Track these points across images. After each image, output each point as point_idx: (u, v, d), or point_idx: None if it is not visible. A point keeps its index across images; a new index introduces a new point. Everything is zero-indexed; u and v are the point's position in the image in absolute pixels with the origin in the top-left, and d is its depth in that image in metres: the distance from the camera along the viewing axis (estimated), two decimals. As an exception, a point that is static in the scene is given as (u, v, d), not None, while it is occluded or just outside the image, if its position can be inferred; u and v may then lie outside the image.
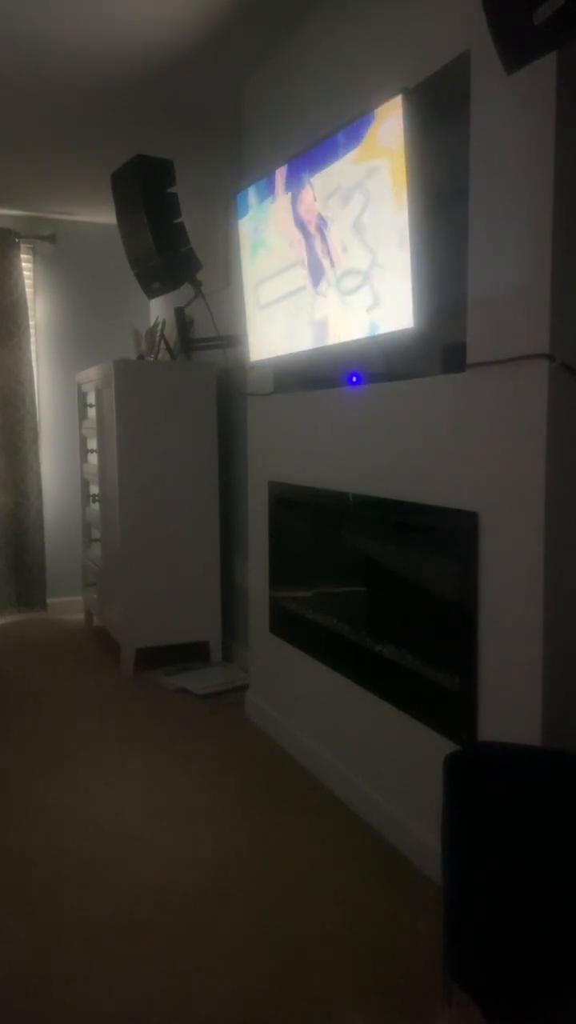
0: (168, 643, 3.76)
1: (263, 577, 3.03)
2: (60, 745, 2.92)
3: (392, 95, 1.94)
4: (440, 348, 2.05)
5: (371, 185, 2.09)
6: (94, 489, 4.25)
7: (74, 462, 4.93)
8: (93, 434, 4.15)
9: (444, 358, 2.03)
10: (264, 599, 3.03)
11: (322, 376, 2.59)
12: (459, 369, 1.88)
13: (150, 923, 1.89)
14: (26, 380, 4.74)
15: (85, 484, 4.50)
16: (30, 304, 4.81)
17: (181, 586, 3.73)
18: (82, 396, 4.42)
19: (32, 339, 4.81)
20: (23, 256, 4.75)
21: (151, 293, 3.45)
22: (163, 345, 4.00)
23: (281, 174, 2.57)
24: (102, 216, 4.68)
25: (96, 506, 4.24)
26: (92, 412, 4.13)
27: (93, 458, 4.21)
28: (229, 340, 3.63)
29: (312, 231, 2.33)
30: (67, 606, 4.92)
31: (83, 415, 4.45)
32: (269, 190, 2.65)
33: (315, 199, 2.30)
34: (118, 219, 3.41)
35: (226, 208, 3.57)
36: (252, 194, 2.73)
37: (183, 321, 3.97)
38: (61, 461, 4.99)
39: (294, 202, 2.41)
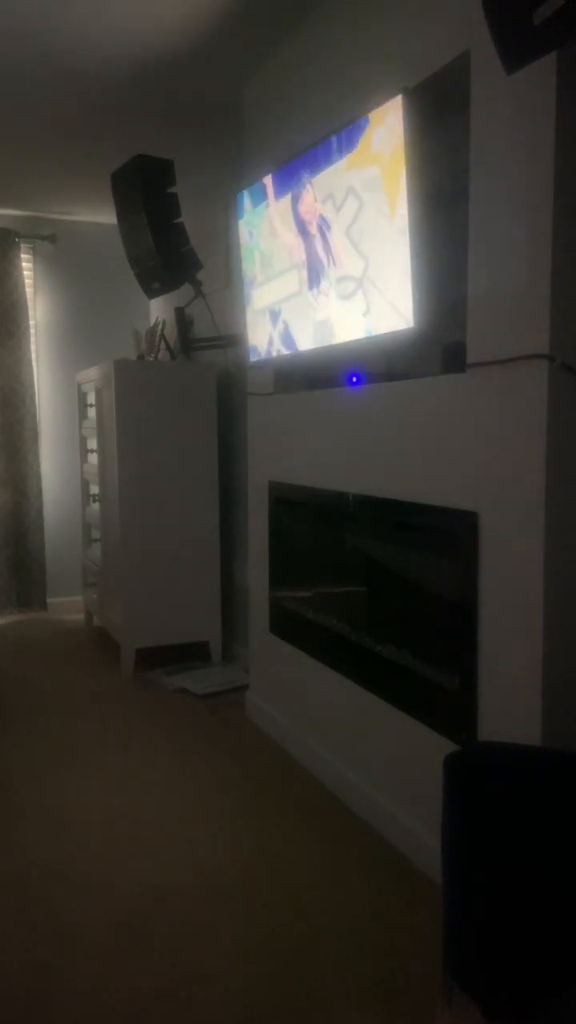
0: (168, 643, 3.76)
1: (263, 577, 3.03)
2: (60, 745, 2.92)
3: (385, 99, 1.94)
4: (440, 348, 2.05)
5: (364, 192, 2.09)
6: (94, 489, 4.25)
7: (74, 462, 4.93)
8: (93, 434, 4.15)
9: (444, 358, 2.03)
10: (264, 599, 3.03)
11: (322, 376, 2.59)
12: (459, 369, 1.88)
13: (150, 923, 1.89)
14: (26, 380, 4.74)
15: (85, 484, 4.50)
16: (30, 304, 4.81)
17: (181, 586, 3.73)
18: (82, 396, 4.42)
19: (32, 339, 4.81)
20: (23, 256, 4.75)
21: (151, 293, 3.45)
22: (163, 345, 4.00)
23: (269, 182, 2.58)
24: (102, 216, 4.68)
25: (96, 506, 4.24)
26: (92, 412, 4.13)
27: (93, 458, 4.21)
28: (229, 340, 3.63)
29: (313, 231, 2.33)
30: (67, 606, 4.92)
31: (83, 415, 4.45)
32: (262, 196, 2.66)
33: (315, 200, 2.30)
34: (118, 219, 3.41)
35: (226, 208, 3.57)
36: (247, 198, 2.73)
37: (183, 321, 3.98)
38: (61, 461, 4.99)
39: (295, 202, 2.41)
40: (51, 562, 4.94)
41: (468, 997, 1.42)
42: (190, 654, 3.85)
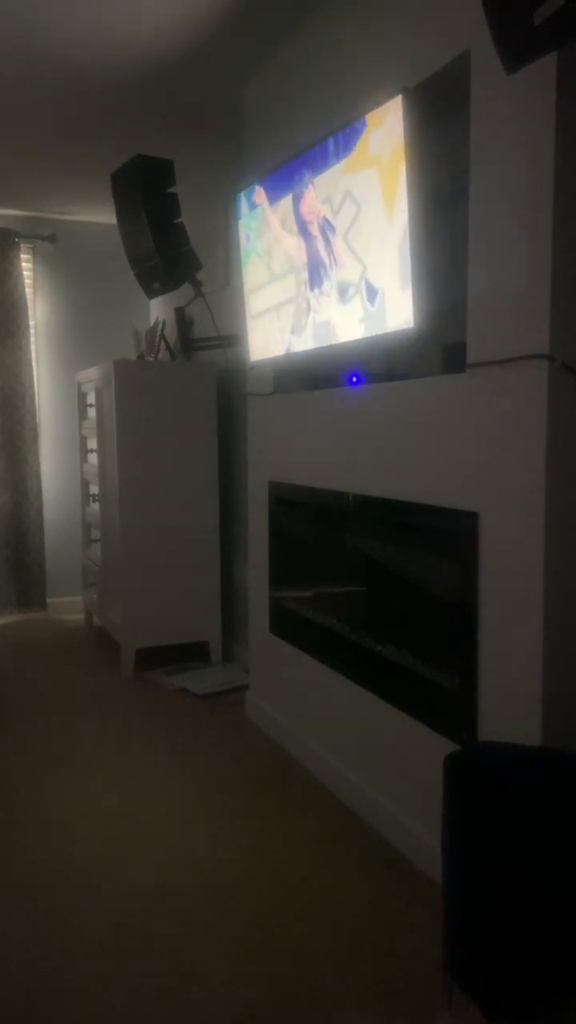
0: (168, 643, 3.76)
1: (263, 577, 3.03)
2: (60, 745, 2.92)
3: (385, 99, 1.94)
4: (440, 348, 2.05)
5: (361, 197, 2.09)
6: (94, 489, 4.25)
7: (74, 462, 4.93)
8: (93, 434, 4.15)
9: (444, 358, 2.03)
10: (264, 599, 3.03)
11: (322, 376, 2.59)
12: (459, 369, 1.88)
13: (150, 923, 1.89)
14: (26, 380, 4.74)
15: (85, 484, 4.50)
16: (30, 304, 4.81)
17: (181, 586, 3.73)
18: (82, 396, 4.42)
19: (32, 339, 4.81)
20: (23, 256, 4.75)
21: (151, 293, 3.45)
22: (163, 345, 4.00)
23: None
24: (102, 216, 4.68)
25: (96, 506, 4.24)
26: (92, 412, 4.13)
27: (93, 458, 4.21)
28: (229, 340, 3.63)
29: (314, 232, 2.33)
30: (67, 606, 4.92)
31: (83, 415, 4.45)
32: (255, 202, 2.66)
33: (317, 200, 2.30)
34: (118, 219, 3.41)
35: (226, 208, 3.57)
36: (244, 201, 2.74)
37: (183, 321, 3.98)
38: (61, 461, 4.99)
39: (296, 202, 2.41)
40: (51, 562, 4.94)
41: (468, 997, 1.42)
42: (190, 654, 3.85)
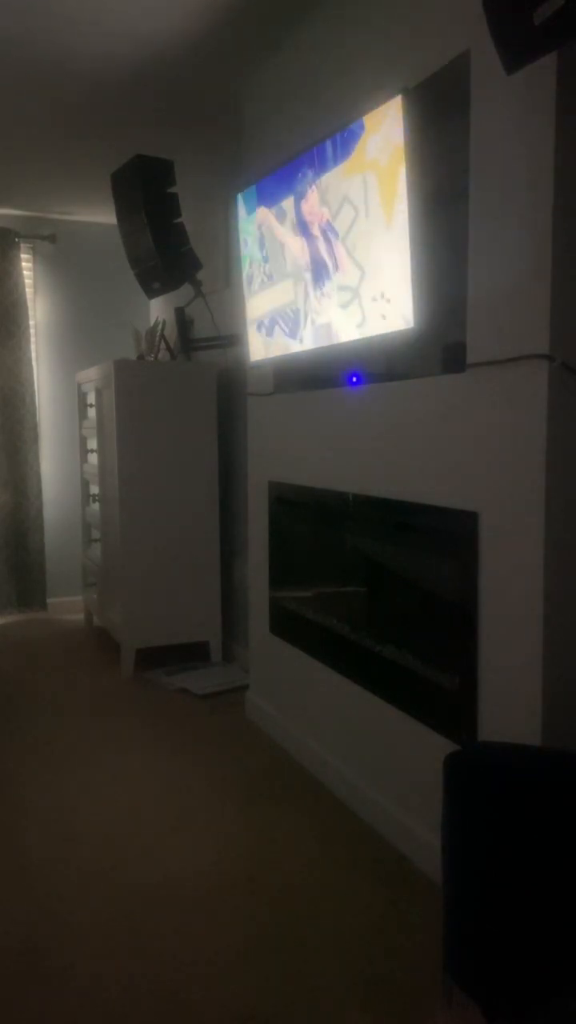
0: (168, 643, 3.76)
1: (263, 577, 3.03)
2: (60, 745, 2.92)
3: (385, 99, 1.94)
4: (440, 348, 2.05)
5: (359, 201, 2.09)
6: (94, 489, 4.25)
7: (74, 462, 4.93)
8: (93, 434, 4.15)
9: (444, 358, 2.03)
10: (264, 599, 3.03)
11: (322, 376, 2.59)
12: (459, 369, 1.88)
13: (149, 922, 1.89)
14: (26, 380, 4.74)
15: (85, 484, 4.50)
16: (30, 304, 4.81)
17: (181, 586, 3.73)
18: (82, 396, 4.42)
19: (32, 339, 4.81)
20: (23, 256, 4.75)
21: (151, 293, 3.45)
22: (163, 345, 4.00)
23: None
24: (102, 216, 4.68)
25: (96, 506, 4.24)
26: (92, 412, 4.13)
27: (93, 458, 4.21)
28: (229, 340, 3.63)
29: (316, 232, 2.33)
30: (67, 606, 4.92)
31: (83, 415, 4.45)
32: (254, 205, 2.66)
33: (320, 202, 2.29)
34: (118, 219, 3.41)
35: (226, 208, 3.57)
36: (241, 204, 2.74)
37: (183, 321, 3.98)
38: (61, 461, 4.99)
39: (297, 202, 2.40)
40: (51, 562, 4.93)
41: (468, 997, 1.42)
42: (190, 654, 3.85)
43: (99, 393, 3.93)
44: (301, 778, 2.63)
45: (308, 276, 2.41)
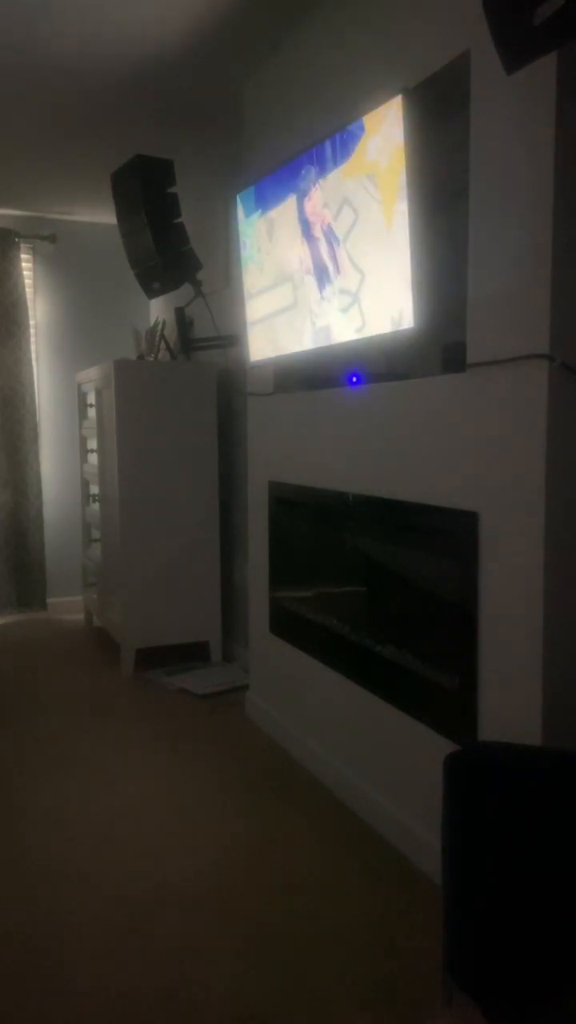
0: (168, 643, 3.76)
1: (263, 577, 3.03)
2: (60, 745, 2.92)
3: (385, 99, 1.94)
4: (440, 348, 2.06)
5: (359, 204, 2.09)
6: (94, 489, 4.25)
7: (74, 462, 4.93)
8: (93, 434, 4.15)
9: (444, 358, 2.04)
10: (264, 599, 3.03)
11: (322, 376, 2.59)
12: (459, 369, 1.88)
13: (149, 923, 1.89)
14: (26, 380, 4.74)
15: (85, 484, 4.50)
16: (30, 304, 4.81)
17: (181, 586, 3.73)
18: (82, 396, 4.42)
19: (32, 339, 4.81)
20: (23, 256, 4.75)
21: (151, 293, 3.45)
22: (163, 345, 4.00)
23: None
24: (102, 216, 4.68)
25: (96, 506, 4.24)
26: (92, 412, 4.13)
27: (93, 458, 4.21)
28: (229, 340, 3.63)
29: (317, 234, 2.32)
30: (67, 606, 4.92)
31: (83, 415, 4.45)
32: (253, 207, 2.66)
33: (323, 204, 2.29)
34: (118, 219, 3.41)
35: (226, 208, 3.57)
36: (240, 206, 2.74)
37: (183, 321, 3.98)
38: (61, 461, 4.99)
39: (300, 200, 2.39)
40: (51, 562, 4.93)
41: (468, 997, 1.42)
42: (190, 654, 3.84)
43: (99, 393, 3.93)
44: (301, 778, 2.63)
45: (308, 280, 2.41)
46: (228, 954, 1.78)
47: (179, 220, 3.28)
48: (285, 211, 2.47)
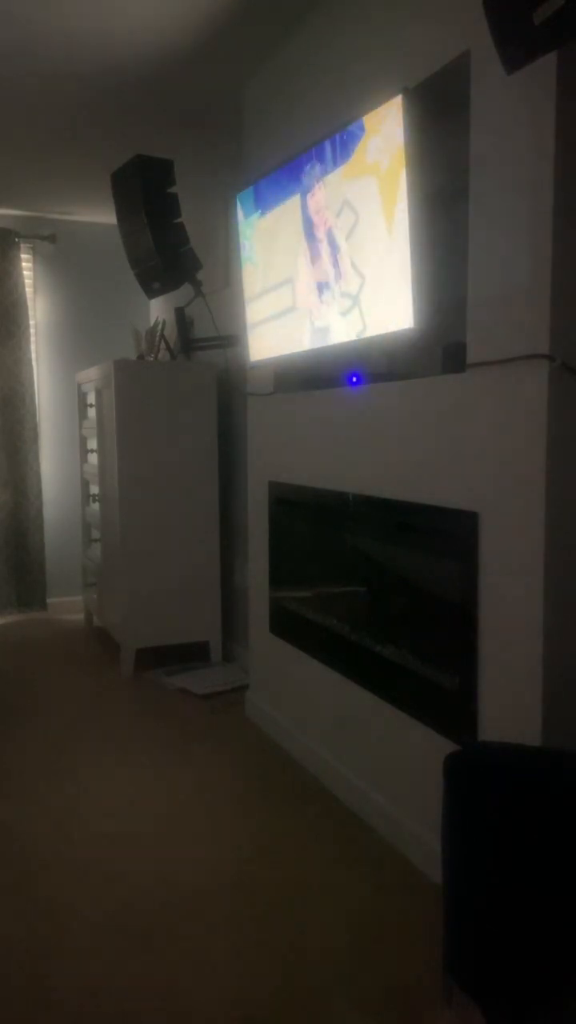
0: (168, 643, 3.76)
1: (263, 577, 3.03)
2: (60, 745, 2.92)
3: (385, 99, 1.94)
4: (440, 348, 2.05)
5: (360, 206, 2.09)
6: (94, 489, 4.25)
7: (74, 462, 4.93)
8: (93, 434, 4.15)
9: (444, 358, 2.04)
10: (264, 599, 3.03)
11: (322, 376, 2.59)
12: (459, 369, 1.88)
13: (150, 923, 1.89)
14: (26, 380, 4.74)
15: (85, 484, 4.50)
16: (30, 304, 4.81)
17: (181, 586, 3.73)
18: (82, 396, 4.42)
19: (32, 339, 4.81)
20: (23, 256, 4.75)
21: (151, 293, 3.45)
22: (163, 345, 4.00)
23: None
24: (102, 216, 4.68)
25: (96, 506, 4.24)
26: (92, 412, 4.13)
27: (93, 458, 4.21)
28: (229, 340, 3.63)
29: (320, 236, 2.31)
30: (67, 606, 4.92)
31: (83, 415, 4.45)
32: (252, 208, 2.65)
33: (325, 206, 2.28)
34: (118, 219, 3.41)
35: (226, 208, 3.57)
36: (239, 207, 2.74)
37: (183, 321, 3.97)
38: (61, 461, 4.99)
39: (304, 199, 2.38)
40: (51, 562, 4.93)
41: (468, 997, 1.42)
42: (190, 654, 3.84)
43: (99, 393, 3.93)
44: (301, 778, 2.63)
45: (308, 282, 2.40)
46: (228, 954, 1.78)
47: (179, 220, 3.28)
48: (285, 211, 2.47)
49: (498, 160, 1.73)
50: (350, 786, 2.42)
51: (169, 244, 3.25)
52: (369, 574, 2.60)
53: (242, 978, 1.70)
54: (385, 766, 2.26)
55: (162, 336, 3.96)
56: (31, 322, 4.80)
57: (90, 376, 4.13)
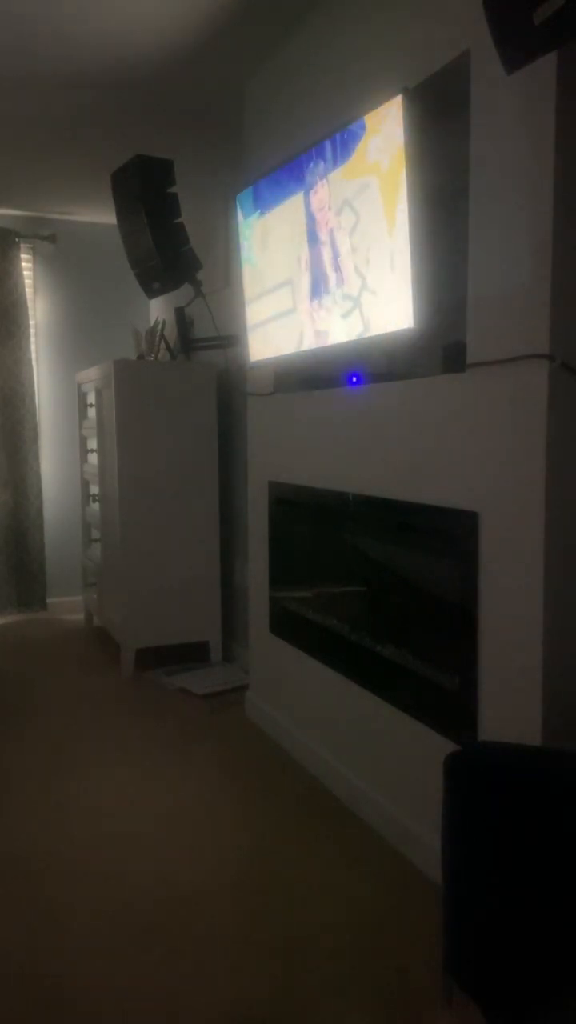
0: (168, 643, 3.76)
1: (263, 577, 3.03)
2: (60, 745, 2.92)
3: (385, 99, 1.94)
4: (440, 348, 2.05)
5: (360, 206, 2.09)
6: (94, 489, 4.25)
7: (74, 462, 4.93)
8: (93, 434, 4.15)
9: (444, 358, 2.03)
10: (264, 599, 3.03)
11: (322, 376, 2.59)
12: (459, 369, 1.88)
13: (150, 923, 1.89)
14: (26, 380, 4.74)
15: (85, 484, 4.50)
16: (30, 304, 4.81)
17: (181, 586, 3.73)
18: (82, 396, 4.42)
19: (32, 339, 4.81)
20: (23, 256, 4.75)
21: (151, 293, 3.45)
22: (163, 345, 4.00)
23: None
24: (102, 216, 4.68)
25: (96, 506, 4.24)
26: (92, 412, 4.13)
27: (93, 458, 4.21)
28: (229, 340, 3.63)
29: (323, 237, 2.30)
30: (67, 606, 4.92)
31: (83, 415, 4.45)
32: (252, 208, 2.65)
33: (328, 207, 2.28)
34: (118, 219, 3.41)
35: (226, 208, 3.57)
36: (239, 209, 2.74)
37: (183, 321, 3.97)
38: (61, 461, 4.99)
39: (307, 197, 2.37)
40: (51, 562, 4.93)
41: (468, 997, 1.42)
42: (190, 654, 3.85)
43: (99, 393, 3.93)
44: (301, 778, 2.63)
45: (308, 284, 2.40)
46: (227, 953, 1.78)
47: (179, 220, 3.28)
48: (286, 211, 2.46)
49: (498, 160, 1.73)
50: (350, 786, 2.42)
51: (169, 244, 3.25)
52: (369, 574, 2.60)
53: (241, 978, 1.70)
54: (385, 766, 2.26)
55: (162, 336, 3.96)
56: (31, 322, 4.80)
57: (90, 376, 4.13)
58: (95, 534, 4.31)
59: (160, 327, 3.98)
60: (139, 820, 2.38)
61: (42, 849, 2.22)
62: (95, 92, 3.03)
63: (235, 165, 3.41)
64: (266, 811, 2.42)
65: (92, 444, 4.24)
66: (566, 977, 1.31)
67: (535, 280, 1.64)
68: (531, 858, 1.33)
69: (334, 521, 2.63)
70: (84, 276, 4.90)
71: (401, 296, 1.97)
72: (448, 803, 1.44)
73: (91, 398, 4.12)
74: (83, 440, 4.50)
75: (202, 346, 3.90)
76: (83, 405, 4.42)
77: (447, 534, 1.95)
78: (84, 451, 4.49)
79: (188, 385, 3.68)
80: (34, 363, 4.81)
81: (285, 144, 2.64)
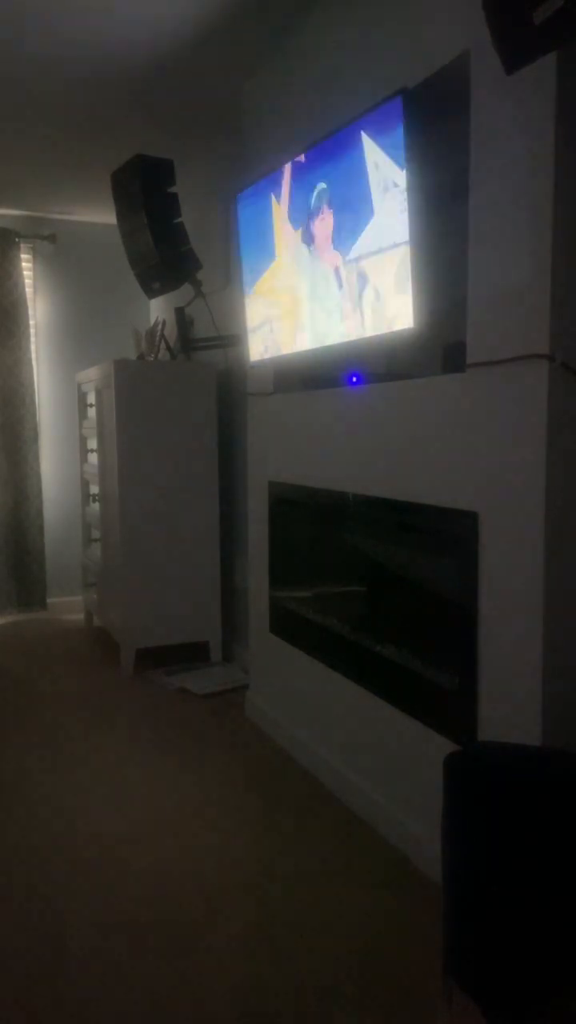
0: (168, 643, 3.76)
1: (263, 577, 3.03)
2: (60, 745, 2.92)
3: (382, 102, 1.94)
4: (440, 348, 2.05)
5: (360, 205, 2.09)
6: (94, 489, 4.25)
7: (74, 462, 4.93)
8: (93, 434, 4.15)
9: (444, 358, 2.04)
10: (264, 599, 3.03)
11: (322, 376, 2.60)
12: (459, 369, 1.88)
13: (150, 924, 1.89)
14: (26, 380, 4.74)
15: (85, 484, 4.50)
16: (30, 304, 4.81)
17: (181, 586, 3.73)
18: (82, 396, 4.42)
19: (32, 339, 4.81)
20: (23, 256, 4.76)
21: (151, 293, 3.45)
22: (163, 345, 4.00)
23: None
24: (102, 216, 4.68)
25: (96, 506, 4.24)
26: (92, 412, 4.13)
27: (93, 458, 4.21)
28: (229, 340, 3.63)
29: (321, 240, 2.31)
30: (67, 606, 4.92)
31: (83, 415, 4.45)
32: (252, 207, 2.65)
33: (323, 216, 2.28)
34: (118, 219, 3.41)
35: (226, 208, 3.57)
36: (240, 208, 2.74)
37: (183, 321, 3.98)
38: (61, 461, 4.99)
39: (305, 199, 2.38)
40: (51, 562, 4.94)
41: (468, 997, 1.42)
42: (190, 654, 3.85)
43: (99, 393, 3.93)
44: (301, 778, 2.63)
45: (308, 285, 2.40)
46: (227, 953, 1.78)
47: (179, 220, 3.29)
48: (285, 211, 2.47)
49: (498, 160, 1.73)
50: (350, 786, 2.42)
51: (169, 244, 3.26)
52: (369, 574, 2.60)
53: (242, 977, 1.70)
54: (385, 766, 2.26)
55: (162, 336, 3.96)
56: (31, 322, 4.80)
57: (90, 376, 4.13)
58: (95, 534, 4.31)
59: (160, 327, 3.98)
60: (139, 820, 2.38)
61: (40, 849, 2.22)
62: (95, 92, 3.03)
63: (235, 165, 3.41)
64: (265, 811, 2.42)
65: (92, 444, 4.24)
66: (566, 977, 1.31)
67: (535, 280, 1.64)
68: (531, 858, 1.33)
69: (334, 521, 2.63)
70: (84, 276, 4.90)
71: (401, 296, 1.97)
72: (448, 803, 1.44)
73: (91, 398, 4.12)
74: (83, 440, 4.50)
75: (202, 346, 3.90)
76: (83, 405, 4.42)
77: (447, 534, 1.95)
78: (84, 451, 4.49)
79: (188, 385, 3.68)
80: (34, 363, 4.82)
81: (285, 144, 2.64)
